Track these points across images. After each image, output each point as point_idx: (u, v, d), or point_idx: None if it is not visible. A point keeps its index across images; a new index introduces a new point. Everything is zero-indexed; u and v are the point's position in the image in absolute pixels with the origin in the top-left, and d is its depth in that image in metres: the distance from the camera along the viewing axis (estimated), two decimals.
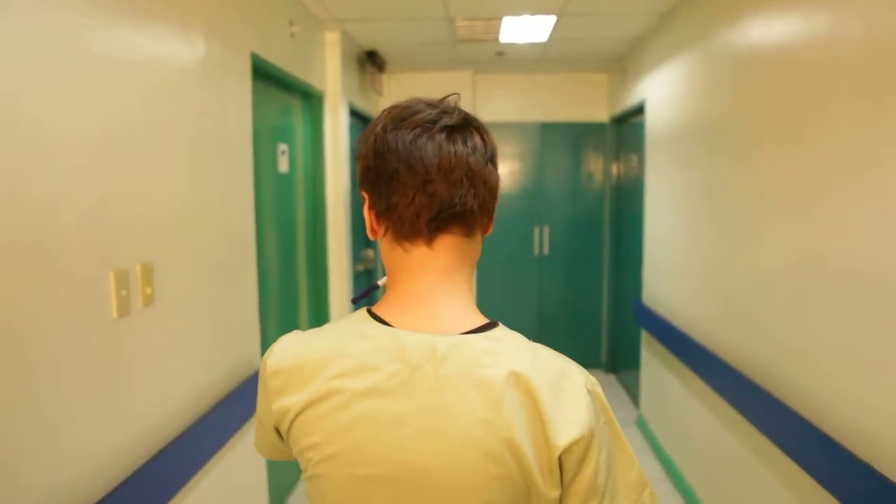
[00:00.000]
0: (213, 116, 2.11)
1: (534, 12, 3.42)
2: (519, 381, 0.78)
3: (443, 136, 0.82)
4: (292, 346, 0.86)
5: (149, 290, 1.68)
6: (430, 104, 0.86)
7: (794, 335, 2.07)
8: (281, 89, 3.06)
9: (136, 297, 1.63)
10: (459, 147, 0.83)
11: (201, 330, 2.03)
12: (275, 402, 0.84)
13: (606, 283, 5.32)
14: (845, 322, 1.78)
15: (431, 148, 0.82)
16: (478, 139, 0.85)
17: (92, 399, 1.46)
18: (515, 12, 3.43)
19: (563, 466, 0.78)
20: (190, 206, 1.94)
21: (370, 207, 0.87)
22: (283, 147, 3.07)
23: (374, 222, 0.87)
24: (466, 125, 0.86)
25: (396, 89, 5.01)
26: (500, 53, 4.44)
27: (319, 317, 3.55)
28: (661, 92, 3.65)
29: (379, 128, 0.85)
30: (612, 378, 5.22)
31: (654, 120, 3.77)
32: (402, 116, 0.84)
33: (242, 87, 2.37)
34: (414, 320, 0.83)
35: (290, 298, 3.25)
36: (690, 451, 3.18)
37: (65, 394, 1.36)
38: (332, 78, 3.60)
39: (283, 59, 2.83)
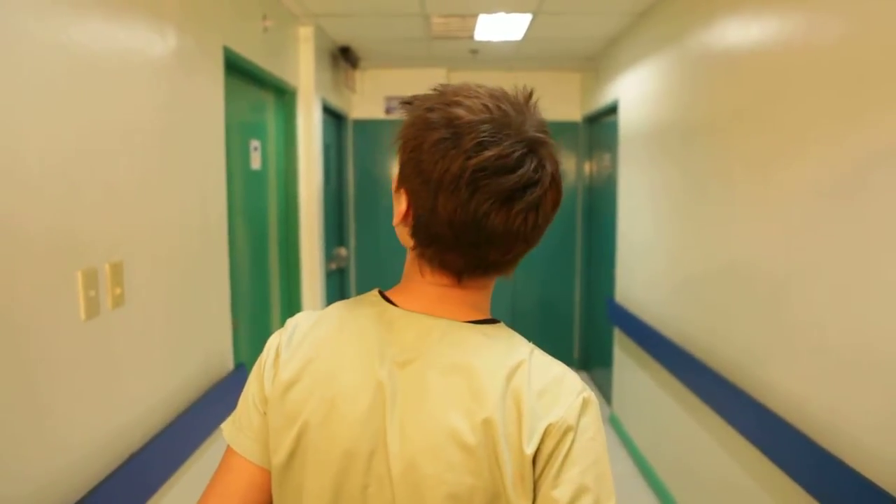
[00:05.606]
0: (186, 111, 2.06)
1: (509, 10, 3.41)
2: (508, 378, 0.74)
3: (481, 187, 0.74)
4: (300, 320, 0.88)
5: (118, 291, 1.62)
6: (492, 117, 0.74)
7: (766, 333, 2.10)
8: (253, 84, 3.00)
9: (106, 298, 1.57)
10: (510, 206, 0.79)
11: (172, 331, 1.97)
12: (279, 372, 0.83)
13: (579, 280, 5.35)
14: (819, 321, 1.81)
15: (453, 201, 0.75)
16: (538, 192, 0.79)
17: (58, 406, 1.40)
18: (491, 10, 3.42)
19: (535, 466, 0.73)
20: (161, 202, 1.88)
21: None
22: (255, 143, 3.02)
23: None
24: (531, 154, 0.75)
25: (370, 86, 4.96)
26: (474, 51, 4.42)
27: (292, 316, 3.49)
28: (634, 92, 3.68)
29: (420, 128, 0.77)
30: (584, 376, 5.26)
31: (628, 119, 3.80)
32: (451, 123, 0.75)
33: (215, 81, 2.31)
34: (417, 304, 0.81)
35: (263, 297, 3.20)
36: (663, 448, 3.22)
37: (26, 401, 1.31)
38: (305, 74, 3.55)
39: (255, 54, 2.77)
